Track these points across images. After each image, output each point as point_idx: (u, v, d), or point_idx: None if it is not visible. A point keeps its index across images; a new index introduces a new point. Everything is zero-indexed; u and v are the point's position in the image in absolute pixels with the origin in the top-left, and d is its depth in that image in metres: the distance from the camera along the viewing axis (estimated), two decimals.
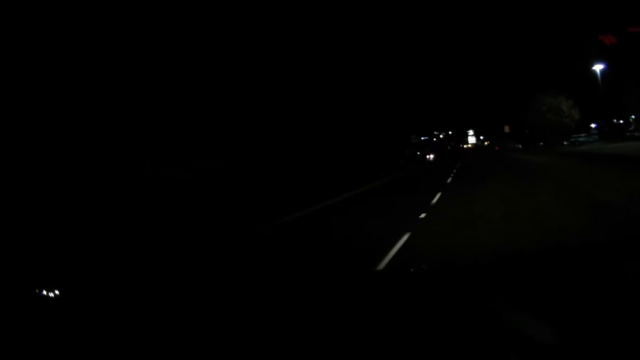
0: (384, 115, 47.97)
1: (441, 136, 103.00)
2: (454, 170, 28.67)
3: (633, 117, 48.97)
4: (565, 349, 1.04)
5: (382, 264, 5.82)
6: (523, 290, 1.46)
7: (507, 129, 66.90)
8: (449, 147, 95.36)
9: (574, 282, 1.49)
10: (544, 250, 2.83)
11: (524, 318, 1.19)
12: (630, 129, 46.79)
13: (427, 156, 68.17)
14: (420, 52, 71.44)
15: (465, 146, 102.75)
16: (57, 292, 1.73)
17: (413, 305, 1.48)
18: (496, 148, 76.29)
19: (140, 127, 15.42)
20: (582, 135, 49.70)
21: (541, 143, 60.54)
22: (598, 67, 40.33)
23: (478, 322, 1.23)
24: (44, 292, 1.73)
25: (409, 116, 66.23)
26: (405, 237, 7.31)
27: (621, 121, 51.97)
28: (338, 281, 1.95)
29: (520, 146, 68.05)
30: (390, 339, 1.21)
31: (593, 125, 53.79)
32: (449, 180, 20.26)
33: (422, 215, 9.75)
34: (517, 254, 2.94)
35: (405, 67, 58.78)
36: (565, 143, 51.72)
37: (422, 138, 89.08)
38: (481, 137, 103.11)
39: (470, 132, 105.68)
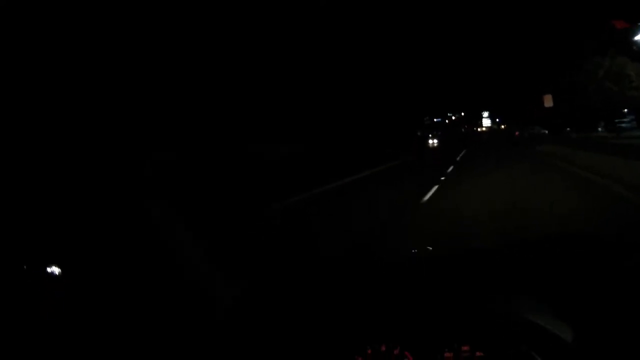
0: (393, 97, 44.33)
1: (453, 118, 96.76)
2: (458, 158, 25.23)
3: None
4: (564, 344, 1.05)
5: None
6: (521, 285, 1.46)
7: (548, 100, 44.74)
8: (463, 130, 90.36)
9: (575, 278, 1.46)
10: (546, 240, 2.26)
11: (526, 313, 1.20)
12: None
13: (430, 141, 60.42)
14: (430, 25, 64.10)
15: (479, 129, 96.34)
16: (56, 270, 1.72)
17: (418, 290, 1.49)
18: (516, 134, 66.61)
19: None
20: (625, 120, 42.01)
21: (568, 128, 53.64)
22: None
23: (478, 314, 1.25)
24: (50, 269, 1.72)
25: (422, 98, 61.97)
26: None
27: None
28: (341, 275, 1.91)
29: (546, 132, 60.69)
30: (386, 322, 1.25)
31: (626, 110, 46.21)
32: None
33: None
34: (518, 244, 2.37)
35: (414, 44, 53.30)
36: (599, 130, 45.08)
37: (435, 120, 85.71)
38: (497, 120, 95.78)
39: (485, 114, 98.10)
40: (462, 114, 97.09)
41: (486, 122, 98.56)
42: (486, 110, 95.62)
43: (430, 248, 2.43)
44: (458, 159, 28.29)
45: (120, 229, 6.99)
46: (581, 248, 1.88)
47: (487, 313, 1.25)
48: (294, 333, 1.22)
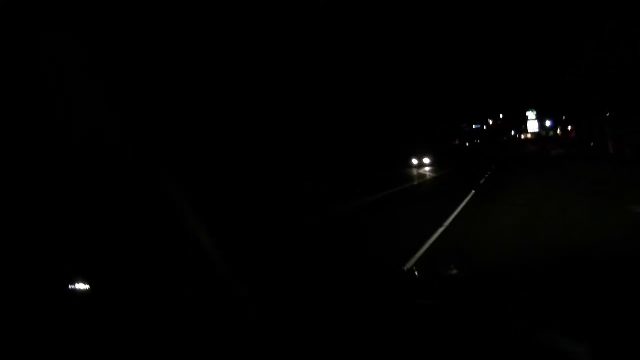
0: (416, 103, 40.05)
1: (491, 123, 75.25)
2: None
3: None
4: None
5: None
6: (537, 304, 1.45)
7: None
8: (505, 139, 69.17)
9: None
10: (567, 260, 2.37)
11: (545, 334, 1.19)
12: None
13: (415, 161, 33.59)
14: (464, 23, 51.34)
15: (523, 137, 74.58)
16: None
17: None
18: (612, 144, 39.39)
19: None
20: None
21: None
22: None
23: (493, 331, 1.25)
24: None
25: (459, 103, 55.19)
26: None
27: None
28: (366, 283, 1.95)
29: None
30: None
31: None
32: None
33: None
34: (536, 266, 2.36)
35: (440, 47, 46.61)
36: None
37: (475, 126, 66.42)
38: (548, 123, 73.26)
39: (531, 115, 74.82)
40: (501, 116, 75.05)
41: (532, 126, 76.09)
42: (532, 111, 73.13)
43: (456, 271, 2.42)
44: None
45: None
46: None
47: (510, 337, 1.21)
48: (315, 345, 1.22)
